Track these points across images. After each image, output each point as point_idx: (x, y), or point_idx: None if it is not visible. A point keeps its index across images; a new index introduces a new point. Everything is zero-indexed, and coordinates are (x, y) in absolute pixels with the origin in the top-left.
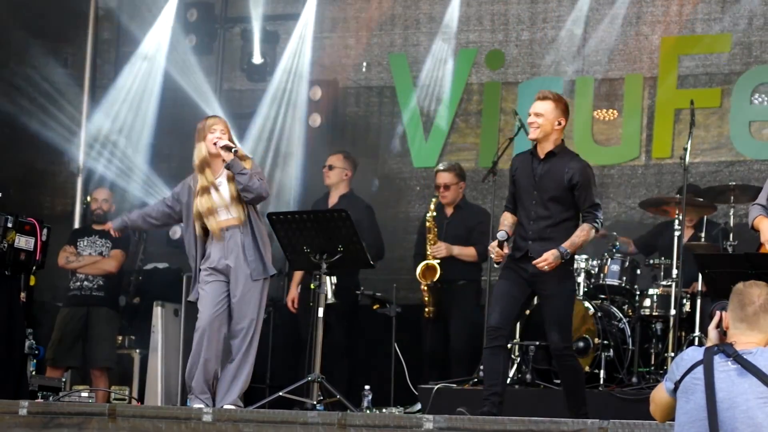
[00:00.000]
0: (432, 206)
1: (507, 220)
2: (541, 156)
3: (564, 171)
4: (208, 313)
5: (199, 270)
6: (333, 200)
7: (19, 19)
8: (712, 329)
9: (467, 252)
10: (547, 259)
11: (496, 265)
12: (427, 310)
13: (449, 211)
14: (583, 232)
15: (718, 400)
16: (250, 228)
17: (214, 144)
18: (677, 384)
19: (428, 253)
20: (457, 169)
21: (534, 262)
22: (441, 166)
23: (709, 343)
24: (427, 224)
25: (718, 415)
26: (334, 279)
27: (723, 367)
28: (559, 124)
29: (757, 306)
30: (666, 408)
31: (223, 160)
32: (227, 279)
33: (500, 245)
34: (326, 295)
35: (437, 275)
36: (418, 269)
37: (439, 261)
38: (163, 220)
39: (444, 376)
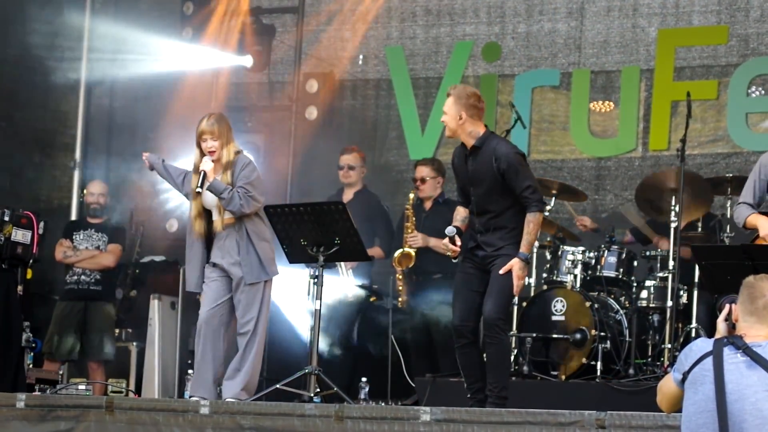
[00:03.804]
0: (411, 197)
1: (459, 214)
2: (468, 151)
3: (491, 162)
4: (204, 311)
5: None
6: (348, 196)
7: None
8: (721, 321)
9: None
10: (512, 270)
11: (454, 260)
12: (400, 300)
13: (428, 205)
14: (532, 226)
15: (726, 392)
16: (244, 230)
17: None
18: (685, 375)
19: (405, 241)
20: (436, 163)
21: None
22: (420, 160)
23: (718, 335)
24: (406, 213)
25: (726, 406)
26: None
27: (732, 359)
28: (461, 118)
29: (767, 299)
30: (673, 398)
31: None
32: (230, 276)
33: (452, 241)
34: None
35: (412, 263)
36: (395, 255)
37: (415, 250)
38: (176, 182)
39: (433, 368)
